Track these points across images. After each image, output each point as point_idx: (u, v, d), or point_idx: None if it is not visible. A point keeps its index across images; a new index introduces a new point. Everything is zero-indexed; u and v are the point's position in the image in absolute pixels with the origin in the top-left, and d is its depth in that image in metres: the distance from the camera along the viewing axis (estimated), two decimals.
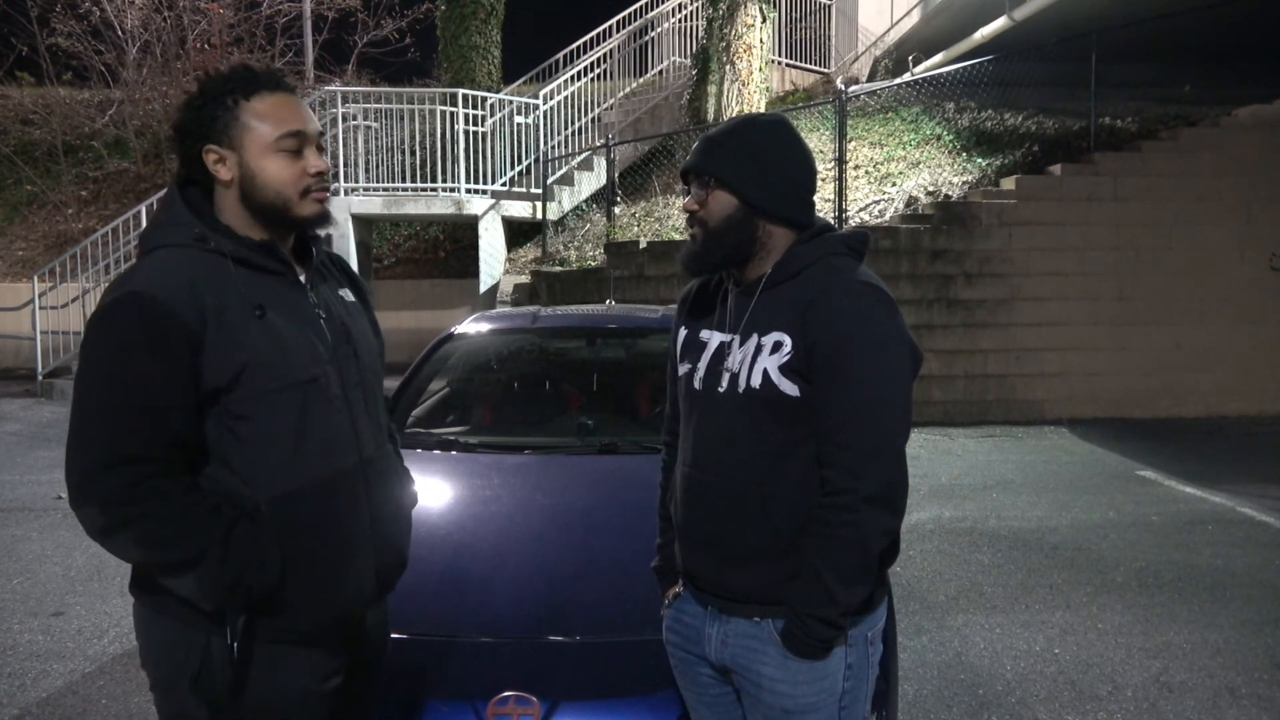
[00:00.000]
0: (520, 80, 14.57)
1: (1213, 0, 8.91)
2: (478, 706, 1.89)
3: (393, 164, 11.65)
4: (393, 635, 1.87)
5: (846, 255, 1.64)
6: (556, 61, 13.61)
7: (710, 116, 11.43)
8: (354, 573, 1.61)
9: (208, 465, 1.51)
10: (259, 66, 1.64)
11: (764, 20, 11.59)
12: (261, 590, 1.48)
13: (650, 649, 1.91)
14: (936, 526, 5.40)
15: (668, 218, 10.97)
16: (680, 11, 13.35)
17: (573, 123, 12.47)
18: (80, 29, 15.15)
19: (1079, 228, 8.67)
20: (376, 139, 11.48)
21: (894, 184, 10.00)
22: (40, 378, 10.61)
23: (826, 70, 14.56)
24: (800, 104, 12.14)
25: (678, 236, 10.08)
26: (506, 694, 1.90)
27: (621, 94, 13.18)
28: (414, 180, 11.63)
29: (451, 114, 11.32)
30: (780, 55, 14.03)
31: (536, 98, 12.11)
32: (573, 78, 12.53)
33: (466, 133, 11.35)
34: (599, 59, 12.87)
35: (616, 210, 11.34)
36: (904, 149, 10.66)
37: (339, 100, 11.21)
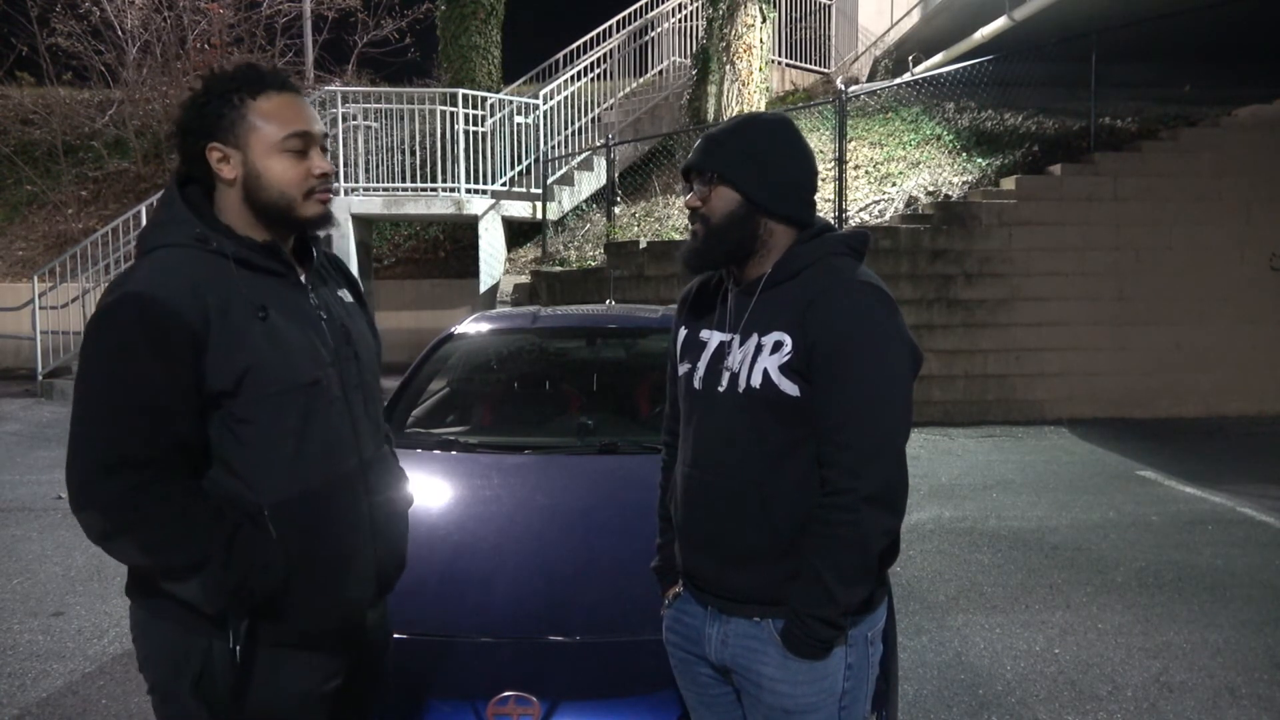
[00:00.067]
0: (520, 80, 14.58)
1: (1213, 0, 8.91)
2: (478, 706, 1.89)
3: (393, 164, 11.65)
4: (393, 635, 1.87)
5: (847, 255, 1.64)
6: (556, 61, 13.61)
7: (710, 116, 11.44)
8: (355, 575, 1.61)
9: (210, 469, 1.50)
10: (265, 66, 1.63)
11: (764, 20, 11.59)
12: (265, 594, 1.47)
13: (650, 649, 1.91)
14: (936, 526, 5.40)
15: (668, 218, 10.97)
16: (680, 11, 13.35)
17: (573, 123, 12.47)
18: (80, 29, 15.16)
19: (1079, 228, 8.67)
20: (376, 139, 11.48)
21: (894, 184, 10.00)
22: (40, 378, 10.61)
23: (826, 70, 14.56)
24: (800, 104, 12.14)
25: (678, 236, 10.08)
26: (506, 694, 1.90)
27: (621, 94, 13.18)
28: (414, 180, 11.63)
29: (451, 114, 11.32)
30: (780, 55, 14.03)
31: (536, 98, 12.11)
32: (573, 78, 12.53)
33: (466, 133, 11.35)
34: (599, 59, 12.87)
35: (616, 210, 11.34)
36: (904, 149, 10.66)
37: (339, 100, 11.21)
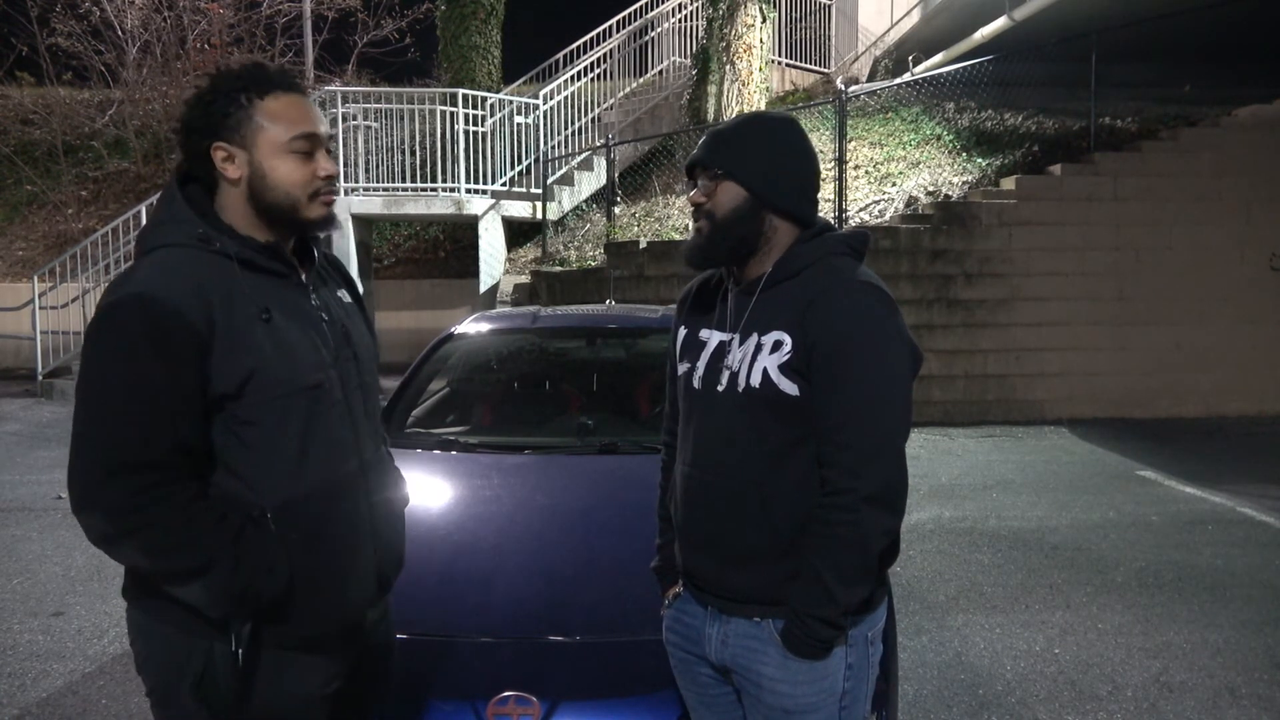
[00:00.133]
0: (520, 80, 14.58)
1: (1213, 0, 8.91)
2: (478, 706, 1.89)
3: (393, 164, 11.65)
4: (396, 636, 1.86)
5: (847, 255, 1.64)
6: (556, 61, 13.61)
7: (710, 116, 11.44)
8: (356, 576, 1.60)
9: (214, 472, 1.49)
10: (272, 66, 1.62)
11: (764, 20, 11.59)
12: (270, 598, 1.46)
13: (650, 649, 1.91)
14: (936, 526, 5.40)
15: (668, 218, 10.97)
16: (680, 11, 13.35)
17: (573, 123, 12.47)
18: (80, 29, 15.16)
19: (1079, 228, 8.67)
20: (376, 139, 11.48)
21: (894, 184, 10.00)
22: (40, 378, 10.61)
23: (826, 70, 14.56)
24: (800, 104, 12.13)
25: (678, 236, 10.08)
26: (506, 694, 1.90)
27: (621, 94, 13.18)
28: (414, 180, 11.63)
29: (451, 114, 11.32)
30: (780, 55, 14.03)
31: (536, 98, 12.11)
32: (573, 78, 12.53)
33: (466, 133, 11.35)
34: (599, 59, 12.87)
35: (616, 210, 11.34)
36: (904, 149, 10.67)
37: (339, 100, 11.21)
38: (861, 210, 9.71)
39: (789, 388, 1.55)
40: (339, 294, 1.72)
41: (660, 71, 13.38)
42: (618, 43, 13.08)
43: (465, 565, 2.35)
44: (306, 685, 1.57)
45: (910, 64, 12.03)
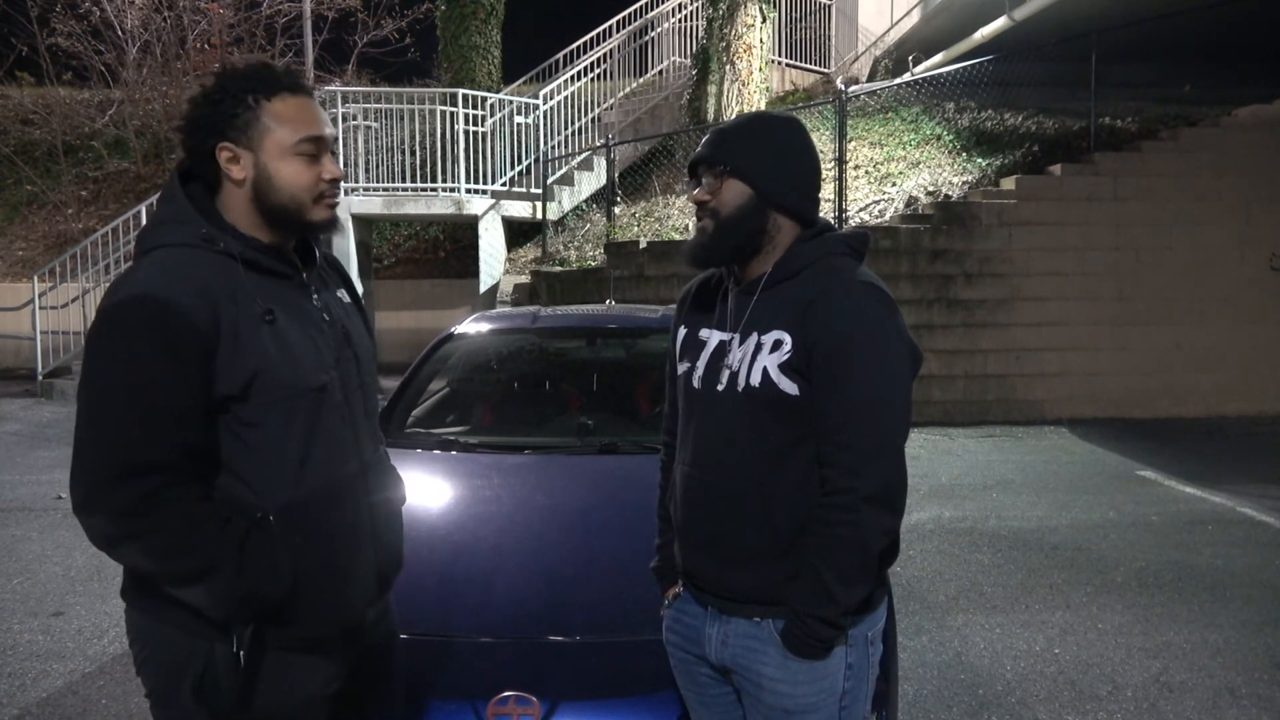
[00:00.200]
0: (520, 80, 14.58)
1: (1213, 0, 8.91)
2: (478, 706, 1.89)
3: (393, 164, 11.66)
4: (398, 636, 1.86)
5: (847, 255, 1.64)
6: (556, 61, 13.61)
7: (710, 116, 11.44)
8: (357, 577, 1.60)
9: (218, 475, 1.48)
10: (280, 66, 1.60)
11: (764, 20, 11.59)
12: (274, 600, 1.46)
13: (650, 649, 1.91)
14: (936, 526, 5.40)
15: (668, 218, 10.97)
16: (680, 11, 13.35)
17: (573, 123, 12.47)
18: (80, 29, 15.15)
19: (1079, 228, 8.67)
20: (376, 139, 11.48)
21: (894, 184, 10.00)
22: (40, 378, 10.61)
23: (826, 70, 14.56)
24: (800, 104, 12.13)
25: (678, 236, 10.08)
26: (506, 694, 1.90)
27: (621, 94, 13.18)
28: (414, 180, 11.63)
29: (451, 114, 11.32)
30: (780, 55, 14.03)
31: (536, 98, 12.11)
32: (573, 78, 12.53)
33: (466, 133, 11.35)
34: (599, 59, 12.87)
35: (616, 210, 11.34)
36: (904, 149, 10.67)
37: (339, 100, 11.21)
38: (861, 210, 9.71)
39: (789, 387, 1.55)
40: (339, 294, 1.71)
41: (660, 71, 13.38)
42: (618, 43, 13.08)
43: (465, 565, 2.35)
44: (307, 686, 1.56)
45: (910, 64, 12.03)
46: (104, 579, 4.56)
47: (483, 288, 11.79)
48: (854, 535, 1.51)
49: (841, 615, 1.55)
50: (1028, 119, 10.39)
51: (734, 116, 1.93)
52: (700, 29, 12.68)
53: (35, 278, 10.97)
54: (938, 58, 11.89)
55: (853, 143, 10.42)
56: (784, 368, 1.56)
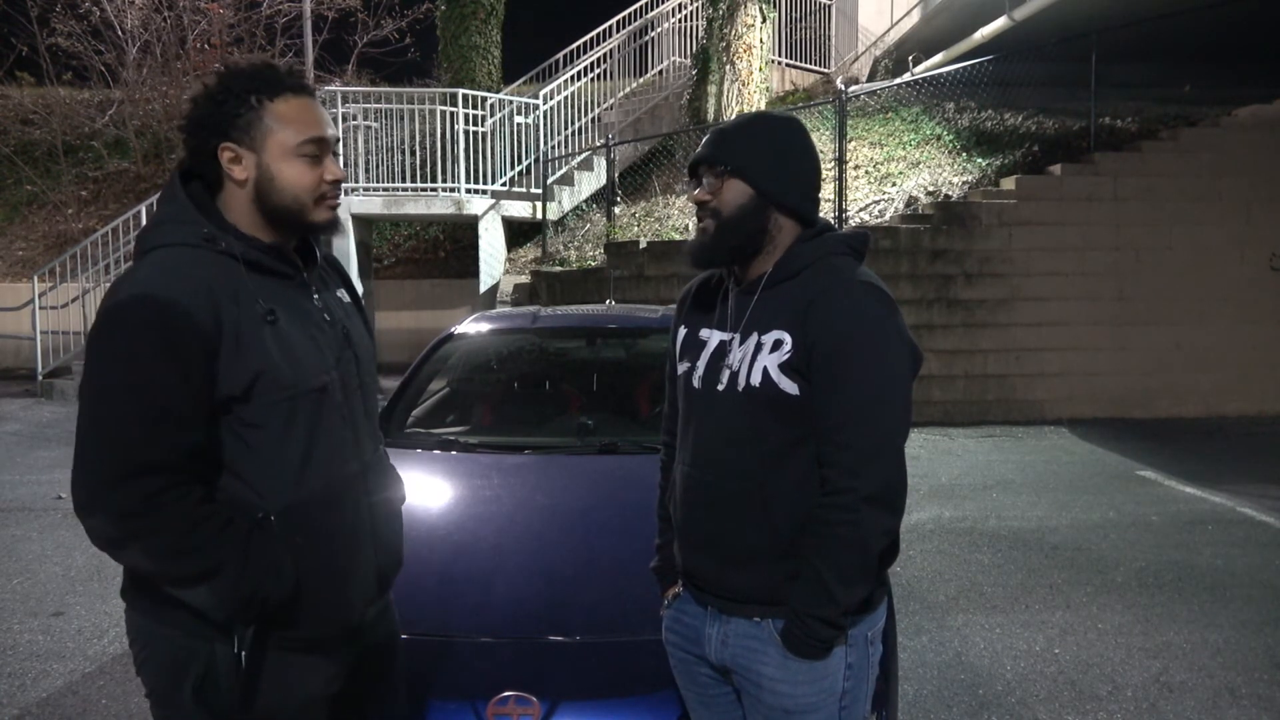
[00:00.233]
0: (520, 80, 14.58)
1: (1213, 0, 8.91)
2: (478, 706, 1.89)
3: (393, 164, 11.66)
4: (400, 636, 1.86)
5: (847, 255, 1.64)
6: (556, 61, 13.61)
7: (710, 116, 11.44)
8: (358, 577, 1.60)
9: (219, 475, 1.47)
10: (283, 67, 1.60)
11: (764, 20, 11.59)
12: (277, 601, 1.46)
13: (650, 649, 1.91)
14: (936, 526, 5.40)
15: (668, 218, 10.97)
16: (680, 11, 13.35)
17: (573, 123, 12.47)
18: (80, 29, 15.15)
19: (1079, 228, 8.67)
20: (376, 139, 11.48)
21: (894, 184, 10.01)
22: (40, 378, 10.61)
23: (826, 70, 14.56)
24: (800, 104, 12.13)
25: (678, 236, 10.08)
26: (506, 694, 1.90)
27: (621, 94, 13.18)
28: (414, 180, 11.63)
29: (451, 114, 11.32)
30: (780, 55, 14.03)
31: (536, 98, 12.11)
32: (573, 78, 12.53)
33: (466, 133, 11.35)
34: (599, 59, 12.87)
35: (616, 210, 11.34)
36: (904, 149, 10.67)
37: (339, 100, 11.21)
38: (861, 210, 9.71)
39: (789, 387, 1.55)
40: (339, 294, 1.71)
41: (660, 71, 13.38)
42: (618, 43, 13.08)
43: (465, 565, 2.34)
44: (308, 686, 1.56)
45: (910, 64, 12.03)
46: (104, 579, 4.56)
47: (483, 288, 11.79)
48: (854, 535, 1.51)
49: (841, 615, 1.55)
50: (1028, 119, 10.39)
51: (734, 116, 1.93)
52: (700, 29, 12.68)
53: (35, 278, 10.97)
54: (938, 58, 11.89)
55: (853, 143, 10.42)
56: (784, 367, 1.56)
